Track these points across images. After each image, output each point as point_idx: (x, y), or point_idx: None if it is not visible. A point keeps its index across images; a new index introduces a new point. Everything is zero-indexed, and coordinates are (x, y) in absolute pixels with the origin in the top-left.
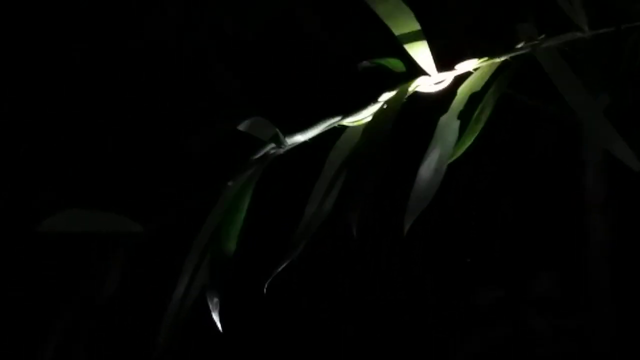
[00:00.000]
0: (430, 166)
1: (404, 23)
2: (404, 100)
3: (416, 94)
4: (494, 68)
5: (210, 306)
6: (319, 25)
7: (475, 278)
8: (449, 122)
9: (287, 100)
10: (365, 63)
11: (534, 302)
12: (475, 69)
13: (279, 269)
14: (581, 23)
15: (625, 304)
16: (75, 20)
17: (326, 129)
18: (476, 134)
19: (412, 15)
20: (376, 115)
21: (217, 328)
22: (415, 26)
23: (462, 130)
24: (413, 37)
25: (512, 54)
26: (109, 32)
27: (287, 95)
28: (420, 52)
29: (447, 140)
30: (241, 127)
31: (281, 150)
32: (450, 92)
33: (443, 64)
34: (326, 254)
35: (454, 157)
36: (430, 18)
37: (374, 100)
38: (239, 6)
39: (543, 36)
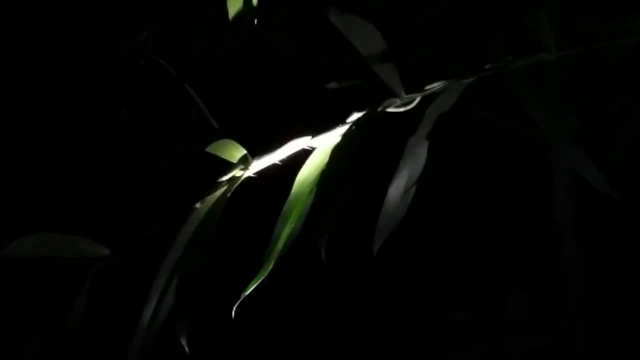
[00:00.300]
0: (399, 187)
1: (372, 44)
2: (373, 121)
3: (385, 114)
4: (462, 88)
5: (178, 330)
6: (290, 47)
7: (447, 298)
8: (417, 143)
9: (256, 121)
10: (333, 84)
11: (506, 322)
12: (444, 90)
13: (247, 292)
14: (548, 44)
15: (596, 321)
16: (51, 36)
17: (295, 150)
18: (445, 155)
19: (380, 37)
20: (345, 136)
21: (185, 351)
22: (383, 47)
23: (431, 151)
24: (381, 58)
25: (480, 75)
26: (76, 52)
27: (256, 117)
28: (389, 73)
29: (416, 161)
30: (209, 148)
31: (250, 172)
32: (418, 112)
33: (411, 85)
34: (296, 276)
35: (423, 179)
36: (398, 39)
37: (343, 121)
38: (210, 29)
39: (511, 57)
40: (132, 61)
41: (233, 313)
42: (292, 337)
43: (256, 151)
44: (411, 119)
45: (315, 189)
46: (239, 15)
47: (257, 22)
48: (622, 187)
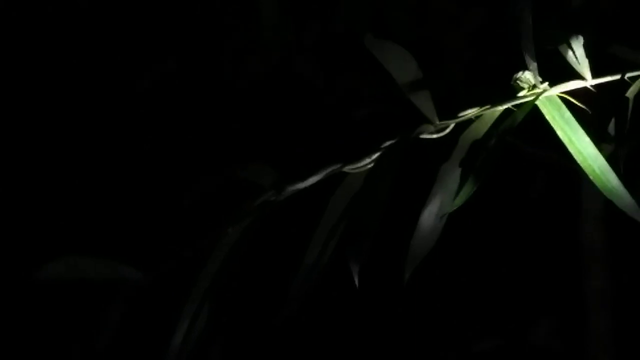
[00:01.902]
0: (431, 214)
1: (407, 70)
2: (406, 147)
3: (418, 140)
4: (495, 116)
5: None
6: (317, 72)
7: (474, 326)
8: (450, 170)
9: (288, 146)
10: (366, 110)
11: (534, 351)
12: (477, 117)
13: (280, 321)
14: (584, 71)
15: (623, 352)
16: (75, 64)
17: (327, 175)
18: (478, 182)
19: (414, 62)
20: (378, 162)
21: None
22: (418, 74)
23: (464, 178)
24: (415, 85)
25: (514, 102)
26: (108, 78)
27: (289, 142)
28: (422, 99)
29: (449, 187)
30: (242, 173)
31: (281, 197)
32: (452, 139)
33: (445, 111)
34: (327, 302)
35: (456, 206)
36: (432, 65)
37: (376, 147)
38: (238, 54)
39: (546, 84)
40: (161, 87)
41: (266, 339)
42: None
43: (288, 176)
44: (445, 146)
45: (347, 216)
46: (269, 39)
47: (285, 47)
48: None
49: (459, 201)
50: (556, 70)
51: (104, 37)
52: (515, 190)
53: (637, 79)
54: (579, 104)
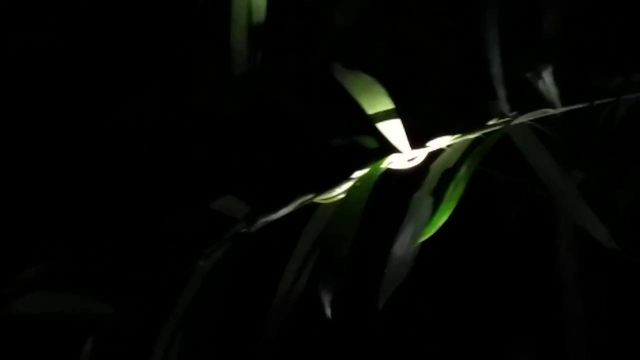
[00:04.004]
0: (403, 243)
1: (377, 101)
2: (377, 177)
3: (389, 171)
4: (466, 144)
5: None
6: (295, 103)
7: (449, 355)
8: (422, 199)
9: (261, 177)
10: (338, 140)
11: None
12: (448, 146)
13: (256, 349)
14: (553, 99)
15: None
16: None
17: (299, 206)
18: (450, 211)
19: (385, 93)
20: (349, 192)
21: None
22: (389, 104)
23: (436, 206)
24: (386, 115)
25: (485, 131)
26: (84, 110)
27: (261, 172)
28: (393, 130)
29: (421, 217)
30: (214, 205)
31: (254, 229)
32: (423, 168)
33: (416, 141)
34: (302, 332)
35: (428, 235)
36: (402, 95)
37: (347, 177)
38: (215, 85)
39: (515, 112)
40: (137, 119)
41: None
42: None
43: (261, 207)
44: (416, 175)
45: (319, 246)
46: (243, 72)
47: (263, 78)
48: (627, 242)
49: (431, 230)
50: (529, 99)
51: (68, 72)
52: (490, 218)
53: (606, 105)
54: (547, 132)
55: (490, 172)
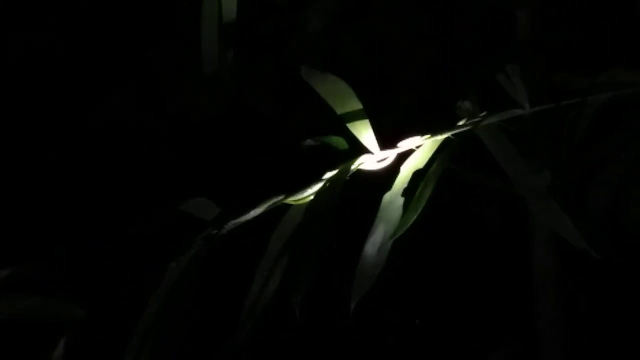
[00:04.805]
0: (374, 243)
1: (346, 102)
2: (347, 178)
3: (360, 171)
4: (436, 145)
5: None
6: (267, 104)
7: (429, 354)
8: (392, 199)
9: (232, 178)
10: (308, 141)
11: None
12: (418, 147)
13: (227, 351)
14: (521, 100)
15: None
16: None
17: (269, 208)
18: (419, 211)
19: (353, 94)
20: (319, 194)
21: None
22: (357, 105)
23: (406, 207)
24: (355, 116)
25: (454, 131)
26: (59, 111)
27: (232, 174)
28: (363, 131)
29: (391, 217)
30: (184, 207)
31: (224, 231)
32: (393, 169)
33: (386, 142)
34: (274, 334)
35: (398, 234)
36: (373, 97)
37: (317, 178)
38: (187, 87)
39: (484, 113)
40: (109, 121)
41: None
42: None
43: (232, 208)
44: (386, 176)
45: (290, 248)
46: (215, 73)
47: (235, 79)
48: (600, 241)
49: (401, 230)
50: (495, 100)
51: (43, 73)
52: (461, 218)
53: (574, 106)
54: (517, 132)
55: (465, 173)
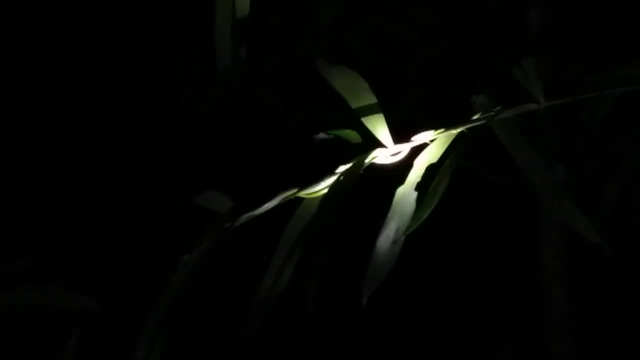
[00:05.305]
0: (387, 238)
1: (361, 96)
2: (361, 171)
3: (373, 165)
4: (450, 139)
5: None
6: (277, 99)
7: (432, 353)
8: (406, 194)
9: (245, 173)
10: (322, 135)
11: None
12: (432, 141)
13: (238, 344)
14: (537, 94)
15: None
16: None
17: (282, 201)
18: (433, 205)
19: (368, 88)
20: (332, 187)
21: None
22: (372, 99)
23: (420, 201)
24: (370, 110)
25: (469, 125)
26: (61, 110)
27: (244, 168)
28: (377, 124)
29: (404, 211)
30: (198, 200)
31: (237, 224)
32: (407, 163)
33: (400, 136)
34: (285, 328)
35: (411, 229)
36: (387, 90)
37: (331, 172)
38: (194, 83)
39: (499, 107)
40: (109, 121)
41: None
42: None
43: (244, 202)
44: (400, 170)
45: (303, 241)
46: (228, 68)
47: (244, 74)
48: (612, 238)
49: (414, 224)
50: (510, 94)
51: (44, 72)
52: (475, 214)
53: (590, 100)
54: (531, 127)
55: (476, 168)
